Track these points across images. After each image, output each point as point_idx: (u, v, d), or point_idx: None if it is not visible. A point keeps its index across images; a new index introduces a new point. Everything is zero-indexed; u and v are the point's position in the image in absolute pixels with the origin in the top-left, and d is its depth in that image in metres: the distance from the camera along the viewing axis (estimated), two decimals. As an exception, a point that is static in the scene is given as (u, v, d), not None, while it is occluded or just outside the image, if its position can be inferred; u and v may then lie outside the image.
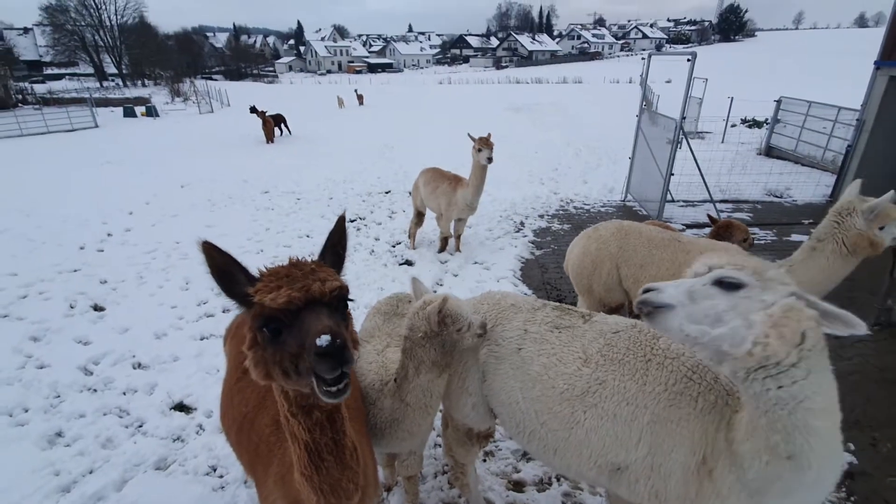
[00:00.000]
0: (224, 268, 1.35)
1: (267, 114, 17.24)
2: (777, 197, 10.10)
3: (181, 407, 4.02)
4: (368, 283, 6.07)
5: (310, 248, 7.18)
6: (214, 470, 3.36)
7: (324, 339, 1.16)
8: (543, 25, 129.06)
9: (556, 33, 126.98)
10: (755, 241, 5.70)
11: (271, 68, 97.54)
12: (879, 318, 4.78)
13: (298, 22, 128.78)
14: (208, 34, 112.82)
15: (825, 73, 38.95)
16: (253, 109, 18.37)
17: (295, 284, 1.28)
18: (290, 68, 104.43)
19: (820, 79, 33.86)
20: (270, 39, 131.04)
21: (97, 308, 5.58)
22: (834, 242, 2.98)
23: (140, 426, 3.77)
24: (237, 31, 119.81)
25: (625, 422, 1.86)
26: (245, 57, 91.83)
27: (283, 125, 18.86)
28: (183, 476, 3.30)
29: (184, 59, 70.00)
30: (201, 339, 4.90)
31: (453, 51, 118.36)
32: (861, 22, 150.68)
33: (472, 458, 2.72)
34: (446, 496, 3.08)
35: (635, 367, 1.91)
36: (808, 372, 1.37)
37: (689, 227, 8.16)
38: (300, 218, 8.76)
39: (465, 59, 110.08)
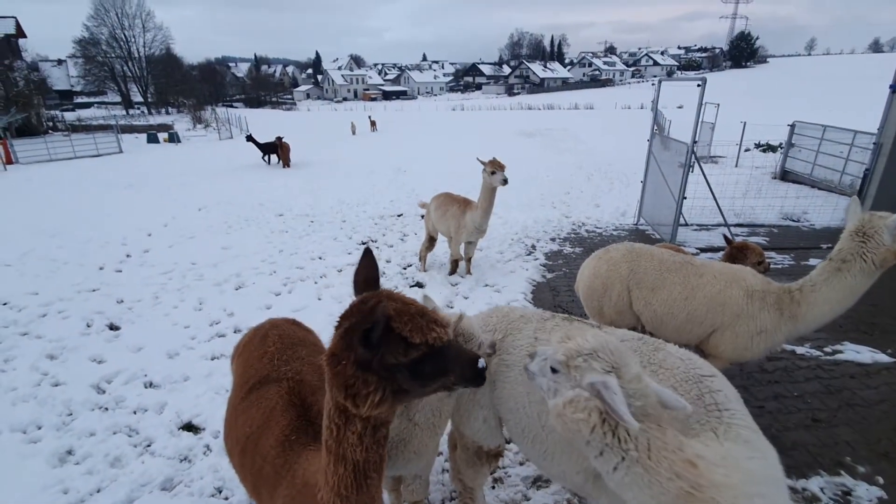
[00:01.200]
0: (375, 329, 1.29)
1: (268, 141, 17.95)
2: (794, 221, 9.94)
3: (189, 427, 4.01)
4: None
5: (322, 270, 7.27)
6: (220, 492, 3.32)
7: (482, 363, 1.49)
8: (555, 54, 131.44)
9: (567, 61, 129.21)
10: (771, 266, 5.60)
11: (289, 96, 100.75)
12: (905, 344, 4.61)
13: (317, 52, 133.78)
14: (230, 64, 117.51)
15: (839, 98, 38.79)
16: (249, 138, 18.77)
17: (437, 322, 1.38)
18: (308, 96, 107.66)
19: (834, 103, 33.71)
20: (290, 69, 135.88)
21: (113, 327, 5.66)
22: (862, 261, 2.96)
23: (148, 446, 3.76)
24: (258, 62, 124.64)
25: None
26: (265, 85, 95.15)
27: (277, 153, 18.03)
28: (188, 498, 3.27)
29: (206, 87, 72.63)
30: (212, 359, 4.92)
31: (466, 78, 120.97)
32: (876, 47, 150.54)
33: (482, 480, 2.66)
34: (454, 524, 3.00)
35: None
36: (623, 462, 1.50)
37: (702, 250, 8.06)
38: (313, 240, 8.87)
39: (478, 87, 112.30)
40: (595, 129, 29.56)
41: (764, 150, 18.30)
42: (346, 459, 1.43)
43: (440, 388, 1.45)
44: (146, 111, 56.61)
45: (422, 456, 2.29)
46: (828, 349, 4.84)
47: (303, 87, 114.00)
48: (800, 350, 4.86)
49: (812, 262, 7.19)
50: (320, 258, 7.88)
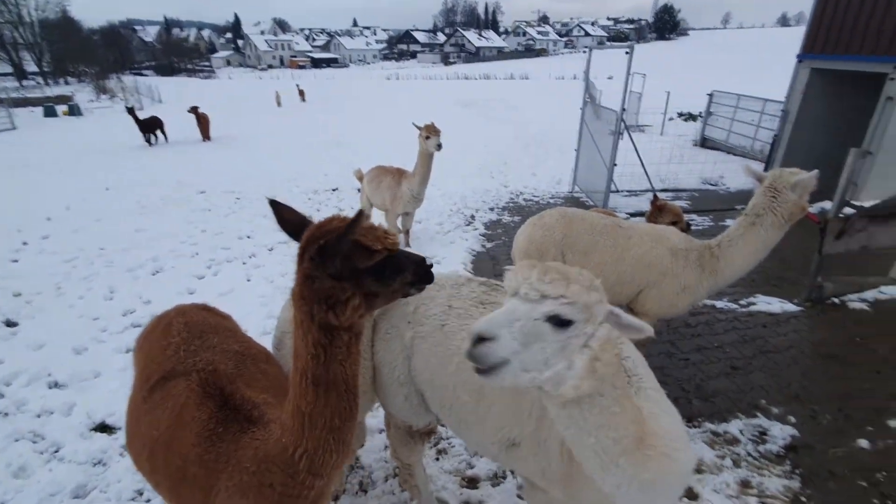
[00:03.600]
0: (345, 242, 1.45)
1: (151, 117, 15.81)
2: (712, 185, 10.62)
3: (103, 427, 3.65)
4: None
5: (251, 250, 6.81)
6: (141, 494, 3.06)
7: (430, 260, 1.64)
8: (489, 22, 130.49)
9: (501, 30, 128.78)
10: (693, 227, 5.92)
11: (207, 63, 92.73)
12: (811, 294, 5.06)
13: (236, 15, 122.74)
14: (137, 28, 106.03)
15: (752, 69, 41.69)
16: (130, 111, 15.65)
17: (388, 231, 1.54)
18: (228, 63, 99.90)
19: (748, 74, 36.20)
20: (205, 33, 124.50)
21: (9, 324, 5.00)
22: (773, 215, 3.15)
23: (56, 451, 3.39)
24: (168, 24, 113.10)
25: (519, 393, 1.83)
26: (178, 51, 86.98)
27: (160, 130, 15.96)
28: (105, 503, 2.97)
29: (110, 54, 65.42)
30: (126, 352, 4.47)
31: (400, 46, 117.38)
32: (783, 21, 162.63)
33: (417, 457, 2.61)
34: (397, 500, 2.94)
35: None
36: (614, 393, 1.36)
37: (632, 215, 8.40)
38: (240, 218, 8.27)
39: (413, 55, 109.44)
40: (531, 100, 29.85)
41: (686, 119, 19.37)
42: (338, 382, 1.51)
43: (401, 288, 1.60)
44: (42, 82, 49.84)
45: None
46: (743, 302, 5.22)
47: (222, 54, 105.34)
48: (719, 304, 5.21)
49: (728, 222, 7.71)
50: (249, 237, 7.37)
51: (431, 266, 1.63)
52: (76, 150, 14.98)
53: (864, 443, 3.23)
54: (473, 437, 2.10)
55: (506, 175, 11.35)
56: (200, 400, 1.77)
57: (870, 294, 5.10)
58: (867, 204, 5.37)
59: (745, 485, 2.99)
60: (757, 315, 4.93)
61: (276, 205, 1.66)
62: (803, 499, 2.88)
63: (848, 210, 4.90)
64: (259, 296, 5.45)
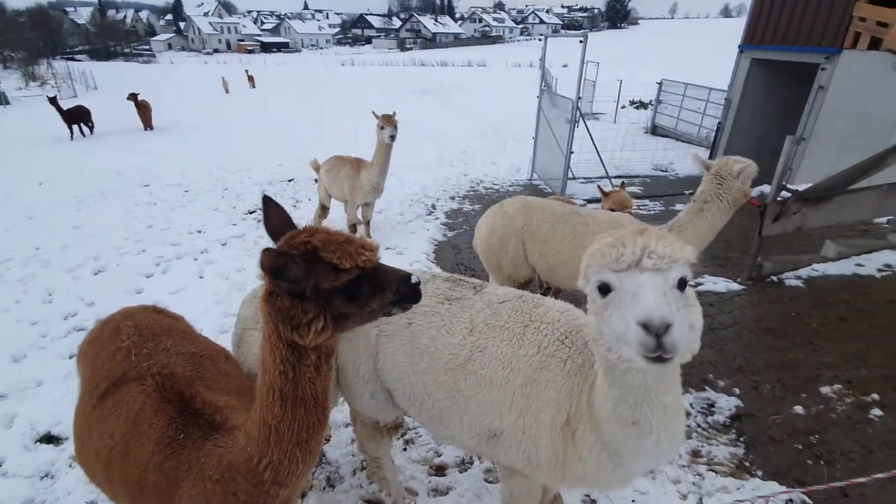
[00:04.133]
0: (282, 264, 1.33)
1: (77, 106, 14.51)
2: (663, 171, 11.06)
3: (49, 438, 3.44)
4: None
5: (202, 245, 6.53)
6: (93, 506, 2.91)
7: (416, 278, 1.45)
8: (445, 7, 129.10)
9: (458, 16, 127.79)
10: (645, 212, 6.20)
11: (147, 47, 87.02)
12: (752, 273, 5.39)
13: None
14: (68, 9, 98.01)
15: (699, 58, 43.44)
16: (52, 101, 13.99)
17: (364, 246, 1.42)
18: (170, 46, 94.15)
19: (694, 63, 37.70)
20: (144, 14, 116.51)
21: (-64, 333, 4.59)
22: (719, 200, 3.34)
23: (-1, 466, 3.18)
24: (103, 5, 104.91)
25: (500, 386, 1.88)
26: (114, 34, 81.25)
27: (85, 122, 14.51)
28: (54, 519, 2.82)
29: (39, 37, 60.27)
30: (70, 358, 4.20)
31: (354, 31, 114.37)
32: (726, 12, 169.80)
33: (385, 450, 2.62)
34: (366, 493, 2.93)
35: (513, 333, 1.93)
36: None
37: (589, 201, 8.62)
38: (189, 212, 7.88)
39: (368, 40, 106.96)
40: (489, 87, 29.88)
41: (637, 107, 19.99)
42: (306, 398, 1.46)
43: (381, 309, 1.48)
44: (-37, 69, 45.25)
45: None
46: (691, 282, 5.49)
47: (163, 37, 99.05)
48: (671, 286, 5.45)
49: (678, 206, 8.07)
50: (199, 232, 7.05)
51: (418, 284, 1.48)
52: (3, 141, 13.78)
53: (799, 409, 3.50)
54: (448, 432, 2.11)
55: (465, 163, 11.37)
56: (158, 405, 1.70)
57: (804, 271, 5.49)
58: (801, 188, 5.75)
59: (695, 454, 3.19)
60: (704, 294, 5.22)
61: (267, 202, 1.56)
62: (747, 464, 3.11)
63: (784, 194, 5.23)
64: (213, 293, 5.24)
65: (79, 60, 54.39)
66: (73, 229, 7.05)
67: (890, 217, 5.82)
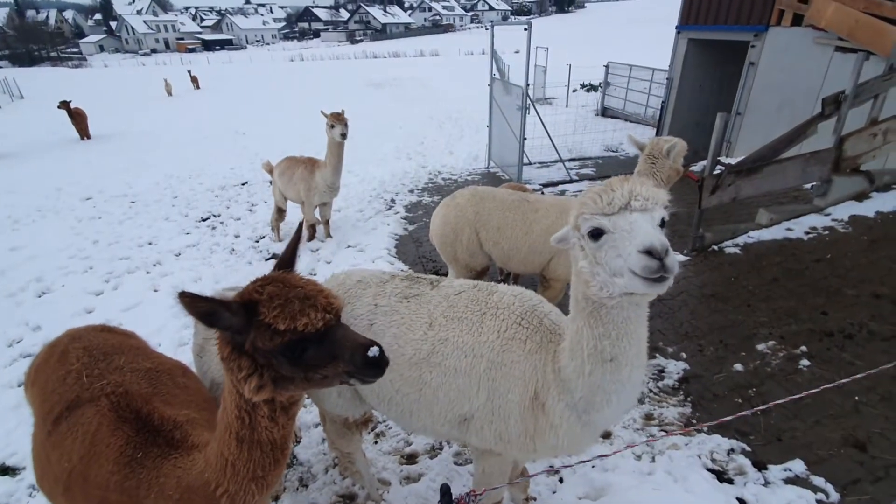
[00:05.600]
0: (207, 311, 1.26)
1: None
2: (613, 152, 11.45)
3: (5, 470, 3.32)
4: (232, 284, 5.52)
5: (154, 257, 6.33)
6: (59, 535, 2.83)
7: (375, 350, 1.32)
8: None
9: (407, 5, 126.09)
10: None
11: (76, 49, 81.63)
12: (695, 244, 5.72)
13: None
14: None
15: (642, 39, 44.70)
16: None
17: (318, 305, 1.30)
18: (102, 49, 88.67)
19: (639, 43, 38.77)
20: (68, 14, 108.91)
21: None
22: (654, 178, 3.55)
23: (-49, 505, 3.04)
24: (20, 6, 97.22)
25: (465, 373, 1.97)
26: (36, 37, 75.60)
27: None
28: (16, 552, 2.74)
29: (-51, 42, 55.40)
30: (19, 386, 4.03)
31: (301, 24, 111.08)
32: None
33: (356, 446, 2.68)
34: (340, 488, 3.00)
35: (472, 322, 2.02)
36: None
37: (545, 185, 8.87)
38: (138, 224, 7.60)
39: (316, 34, 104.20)
40: (443, 77, 29.80)
41: (587, 90, 20.46)
42: (263, 442, 1.43)
43: (331, 379, 1.36)
44: None
45: None
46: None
47: (93, 38, 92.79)
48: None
49: (628, 185, 8.39)
50: (150, 244, 6.82)
51: (378, 356, 1.32)
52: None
53: (738, 366, 3.80)
54: (420, 423, 2.17)
55: (423, 155, 11.39)
56: (114, 425, 1.70)
57: (741, 239, 5.87)
58: (734, 161, 6.12)
59: (648, 418, 3.42)
60: (653, 267, 5.49)
61: (298, 230, 1.60)
62: (694, 421, 3.36)
63: (721, 168, 5.56)
64: (169, 306, 5.10)
65: (-1, 67, 50.51)
66: (10, 252, 6.66)
67: (814, 183, 6.29)
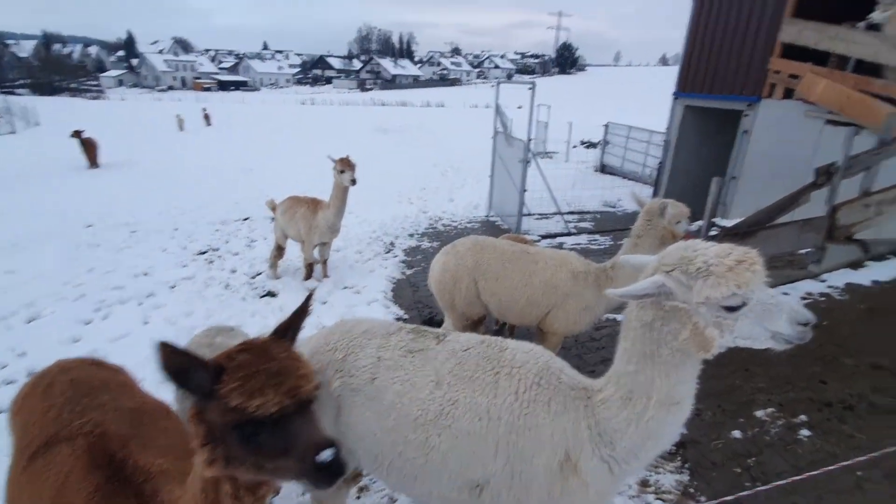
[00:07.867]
0: (181, 367, 1.19)
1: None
2: (612, 207, 11.68)
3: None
4: (223, 320, 5.45)
5: (149, 288, 6.28)
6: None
7: (327, 454, 1.14)
8: (405, 51, 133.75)
9: (416, 59, 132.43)
10: (596, 247, 6.51)
11: (95, 82, 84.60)
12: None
13: (129, 32, 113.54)
14: (9, 42, 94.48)
15: (641, 102, 46.69)
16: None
17: (281, 387, 1.17)
18: (121, 83, 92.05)
19: (638, 106, 40.47)
20: (93, 49, 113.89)
21: None
22: (649, 237, 3.63)
23: None
24: (48, 39, 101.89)
25: (479, 437, 1.86)
26: (59, 68, 78.57)
27: None
28: None
29: (-26, 69, 57.50)
30: (1, 414, 3.89)
31: (315, 71, 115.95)
32: (664, 61, 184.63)
33: (341, 500, 2.54)
34: (320, 547, 2.82)
35: (485, 382, 1.93)
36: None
37: (543, 237, 8.97)
38: (136, 253, 7.60)
39: (328, 81, 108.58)
40: (448, 127, 30.84)
41: (587, 147, 21.16)
42: None
43: (284, 473, 1.21)
44: None
45: None
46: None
47: (113, 73, 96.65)
48: (619, 317, 5.67)
49: (625, 241, 8.50)
50: (146, 274, 6.78)
51: (332, 461, 1.14)
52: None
53: (737, 433, 3.69)
54: (425, 489, 2.02)
55: (424, 201, 11.59)
56: (87, 469, 1.62)
57: (738, 301, 5.87)
58: (730, 223, 6.23)
59: (644, 484, 3.29)
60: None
61: (307, 300, 1.54)
62: (692, 490, 3.23)
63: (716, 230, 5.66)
64: (159, 338, 5.02)
65: (19, 94, 52.03)
66: (6, 274, 6.61)
67: (808, 249, 6.37)
